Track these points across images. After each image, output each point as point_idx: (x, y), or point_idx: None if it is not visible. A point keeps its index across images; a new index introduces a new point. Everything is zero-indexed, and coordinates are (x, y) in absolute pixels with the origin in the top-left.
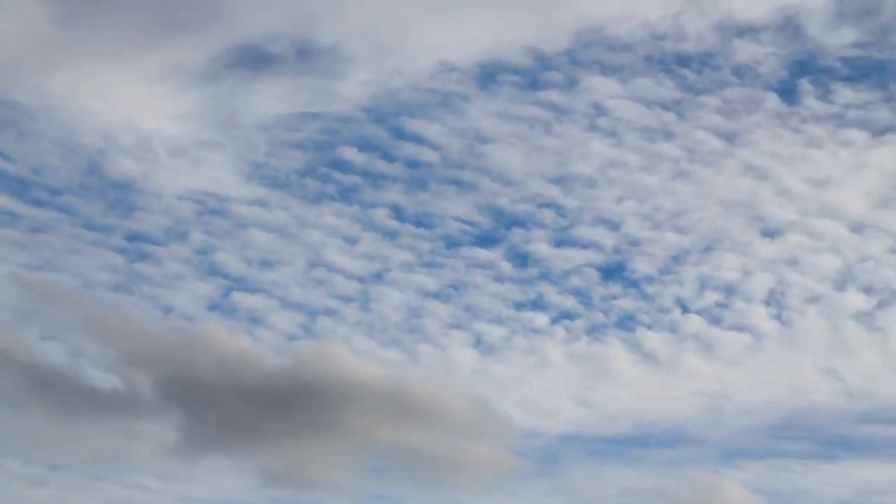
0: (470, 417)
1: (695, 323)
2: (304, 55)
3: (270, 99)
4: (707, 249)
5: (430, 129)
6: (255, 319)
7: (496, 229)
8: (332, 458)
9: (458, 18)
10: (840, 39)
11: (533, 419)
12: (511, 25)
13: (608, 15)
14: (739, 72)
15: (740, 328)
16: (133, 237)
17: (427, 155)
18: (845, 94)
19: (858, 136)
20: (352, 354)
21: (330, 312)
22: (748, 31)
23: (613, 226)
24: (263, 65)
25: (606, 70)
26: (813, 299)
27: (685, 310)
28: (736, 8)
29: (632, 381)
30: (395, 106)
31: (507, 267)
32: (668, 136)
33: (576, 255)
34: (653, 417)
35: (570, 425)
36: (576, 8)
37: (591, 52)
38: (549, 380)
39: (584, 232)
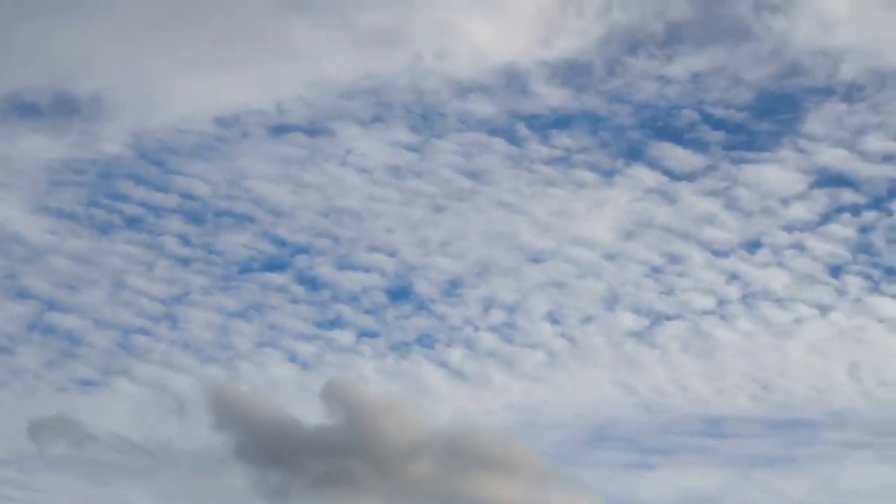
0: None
1: (490, 340)
2: (67, 104)
3: (40, 145)
4: (482, 274)
5: (197, 168)
6: (73, 339)
7: (281, 256)
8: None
9: (206, 72)
10: (556, 93)
11: None
12: (254, 77)
13: (340, 68)
14: (467, 120)
15: (533, 346)
16: None
17: (201, 189)
18: (563, 139)
19: (588, 176)
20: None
21: (144, 331)
22: (473, 86)
23: (390, 252)
24: (29, 114)
25: (346, 116)
26: (589, 319)
27: (476, 328)
28: (461, 66)
29: (447, 396)
30: (159, 148)
31: (299, 290)
32: (418, 174)
33: (361, 278)
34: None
35: None
36: (311, 62)
37: (330, 101)
38: None
39: (364, 258)
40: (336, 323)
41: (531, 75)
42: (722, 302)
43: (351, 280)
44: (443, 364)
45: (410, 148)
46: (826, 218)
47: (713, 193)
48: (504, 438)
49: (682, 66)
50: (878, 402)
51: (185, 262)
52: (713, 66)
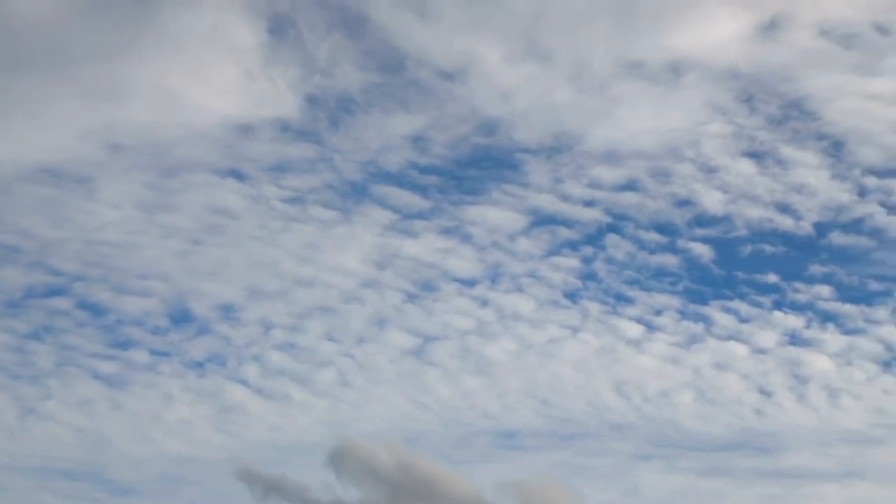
0: None
1: (280, 359)
2: None
3: None
4: (253, 297)
5: None
6: None
7: (59, 283)
8: None
9: None
10: (280, 145)
11: (182, 447)
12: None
13: (74, 118)
14: (201, 164)
15: (322, 364)
16: None
17: None
18: (296, 183)
19: (327, 214)
20: None
21: None
22: (201, 135)
23: (162, 279)
24: None
25: (86, 160)
26: (364, 339)
27: (262, 348)
28: (185, 119)
29: (258, 414)
30: None
31: (83, 314)
32: (171, 209)
33: (141, 303)
34: (289, 444)
35: (218, 452)
36: (45, 114)
37: (69, 147)
38: (180, 412)
39: (138, 284)
40: (129, 343)
41: (252, 129)
42: (482, 324)
43: (132, 304)
44: (242, 382)
45: (154, 188)
46: (551, 252)
47: (447, 231)
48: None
49: (395, 122)
50: (648, 417)
51: None
52: (423, 124)
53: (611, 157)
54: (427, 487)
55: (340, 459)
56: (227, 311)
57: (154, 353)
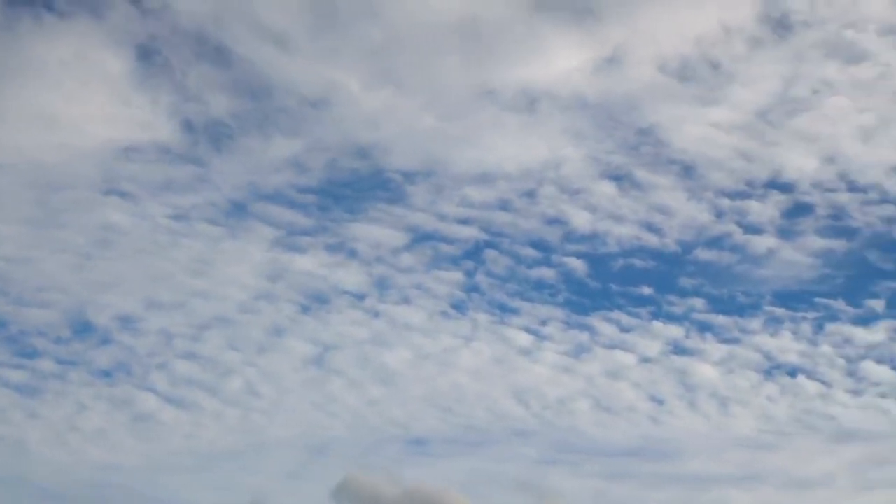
0: None
1: (186, 368)
2: None
3: None
4: (151, 308)
5: None
6: None
7: None
8: None
9: None
10: (163, 165)
11: (101, 454)
12: None
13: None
14: (80, 184)
15: (226, 373)
16: None
17: None
18: (179, 202)
19: (214, 230)
20: None
21: None
22: (81, 156)
23: (61, 290)
24: None
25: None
26: (265, 348)
27: (167, 357)
28: (65, 141)
29: (172, 422)
30: None
31: None
32: (59, 226)
33: (41, 314)
34: (206, 451)
35: (137, 459)
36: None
37: None
38: (95, 420)
39: (37, 296)
40: (35, 353)
41: (130, 151)
42: (377, 333)
43: (33, 316)
44: (151, 390)
45: (40, 205)
46: (433, 266)
47: (332, 247)
48: None
49: (271, 146)
50: (549, 423)
51: None
52: (299, 148)
53: (480, 179)
54: None
55: (344, 494)
56: (127, 322)
57: (60, 361)
